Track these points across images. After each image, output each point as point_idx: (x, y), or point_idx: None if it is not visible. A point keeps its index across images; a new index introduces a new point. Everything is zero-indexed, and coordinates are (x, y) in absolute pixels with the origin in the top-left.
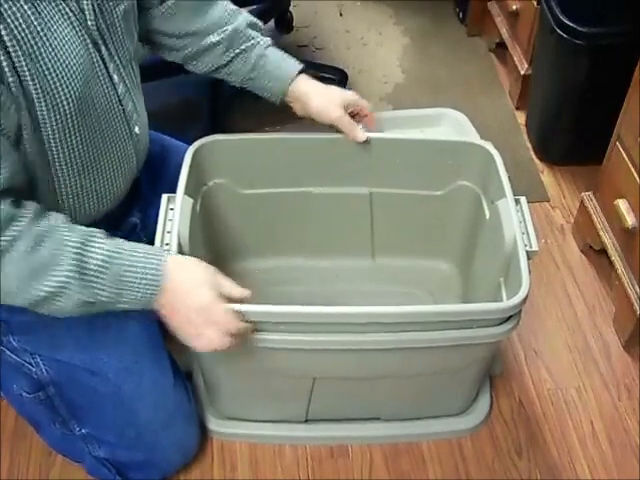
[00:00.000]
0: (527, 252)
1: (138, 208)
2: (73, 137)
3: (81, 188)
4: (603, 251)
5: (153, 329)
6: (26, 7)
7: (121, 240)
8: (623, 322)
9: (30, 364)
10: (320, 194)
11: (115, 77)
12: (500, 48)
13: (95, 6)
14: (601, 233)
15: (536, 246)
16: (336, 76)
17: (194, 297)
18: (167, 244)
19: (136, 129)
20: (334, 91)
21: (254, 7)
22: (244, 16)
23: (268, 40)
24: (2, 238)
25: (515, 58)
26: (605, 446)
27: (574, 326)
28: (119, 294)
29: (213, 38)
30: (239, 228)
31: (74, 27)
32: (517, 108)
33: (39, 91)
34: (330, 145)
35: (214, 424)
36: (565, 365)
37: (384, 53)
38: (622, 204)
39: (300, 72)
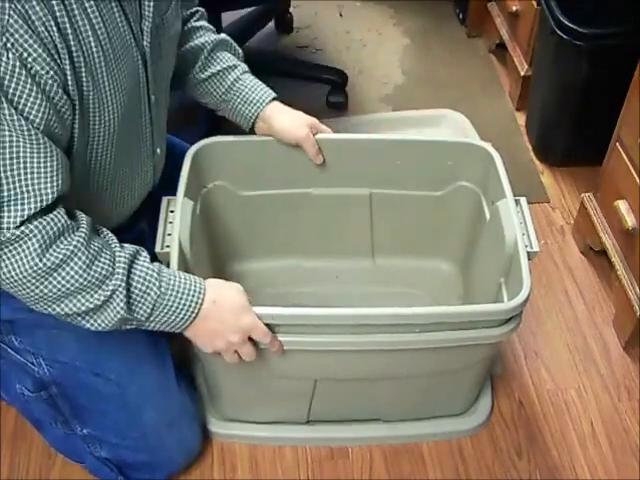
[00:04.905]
0: (528, 253)
1: (148, 215)
2: (109, 153)
3: (100, 201)
4: (603, 252)
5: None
6: (95, 22)
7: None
8: (623, 323)
9: (32, 364)
10: (319, 195)
11: (153, 98)
12: (500, 49)
13: (154, 29)
14: (601, 234)
15: (537, 247)
16: (336, 77)
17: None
18: (167, 246)
19: (158, 150)
20: (299, 113)
21: (254, 8)
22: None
23: (245, 66)
24: (60, 250)
25: (515, 59)
26: (605, 447)
27: (574, 327)
28: (154, 314)
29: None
30: (239, 230)
31: (131, 46)
32: (517, 109)
33: (95, 105)
34: (329, 146)
35: (215, 426)
36: (565, 366)
37: (384, 54)
38: (622, 205)
39: (274, 99)
